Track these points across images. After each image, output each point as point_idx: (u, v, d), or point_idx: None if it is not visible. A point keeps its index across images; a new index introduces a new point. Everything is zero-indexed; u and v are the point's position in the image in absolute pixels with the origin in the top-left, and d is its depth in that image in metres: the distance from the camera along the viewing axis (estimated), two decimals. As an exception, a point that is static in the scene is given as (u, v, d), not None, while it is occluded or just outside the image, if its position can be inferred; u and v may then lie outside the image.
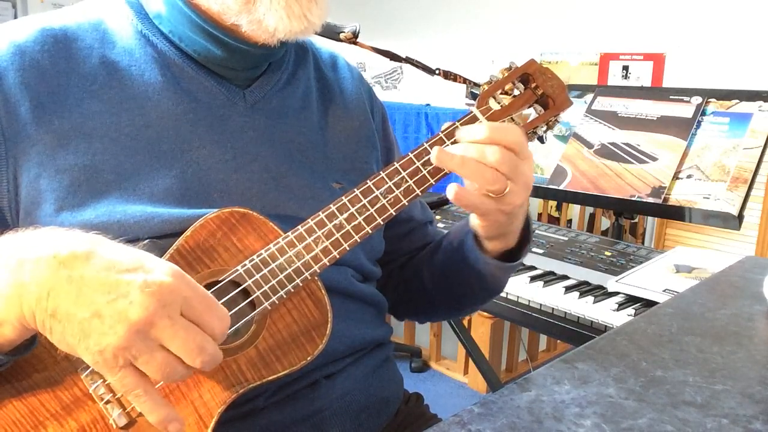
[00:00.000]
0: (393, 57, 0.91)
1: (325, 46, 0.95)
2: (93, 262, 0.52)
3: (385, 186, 0.70)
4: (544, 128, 0.77)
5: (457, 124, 0.73)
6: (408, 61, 0.90)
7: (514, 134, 0.69)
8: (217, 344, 0.55)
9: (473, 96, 0.75)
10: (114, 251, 0.54)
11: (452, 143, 0.71)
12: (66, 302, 0.51)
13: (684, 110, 1.62)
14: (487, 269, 0.83)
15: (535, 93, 0.75)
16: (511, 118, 0.74)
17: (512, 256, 0.83)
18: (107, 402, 0.61)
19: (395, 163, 0.71)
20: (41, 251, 0.53)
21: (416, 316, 1.02)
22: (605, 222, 3.02)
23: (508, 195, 0.69)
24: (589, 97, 1.80)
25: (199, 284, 0.55)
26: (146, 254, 0.55)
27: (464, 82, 0.85)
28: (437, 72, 0.88)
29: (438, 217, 1.80)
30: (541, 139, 0.78)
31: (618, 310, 1.22)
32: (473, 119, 0.73)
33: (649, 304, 1.21)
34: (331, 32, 0.88)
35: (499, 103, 0.74)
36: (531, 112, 0.76)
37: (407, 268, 0.96)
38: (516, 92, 0.75)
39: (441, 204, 1.90)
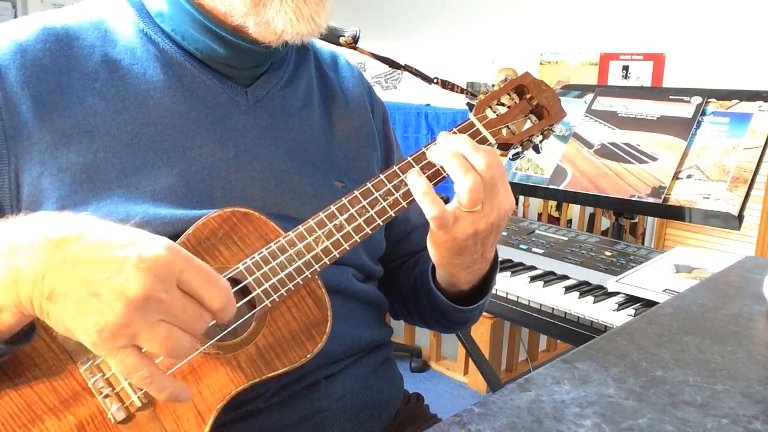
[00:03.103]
0: (392, 64, 0.91)
1: (325, 45, 0.95)
2: (85, 242, 0.52)
3: (385, 188, 0.71)
4: (540, 138, 0.79)
5: (455, 130, 0.74)
6: (407, 68, 0.90)
7: (493, 156, 0.69)
8: (224, 317, 0.54)
9: (470, 107, 0.76)
10: (105, 230, 0.53)
11: None
12: (61, 283, 0.51)
13: (684, 110, 1.62)
14: (442, 305, 0.84)
15: (530, 103, 0.77)
16: (507, 126, 0.75)
17: (466, 301, 0.83)
18: (106, 396, 0.61)
19: (394, 166, 0.72)
20: (33, 236, 0.52)
21: (405, 318, 1.02)
22: (605, 222, 3.02)
23: (474, 214, 0.69)
24: (589, 97, 1.80)
25: (195, 257, 0.54)
26: (138, 230, 0.54)
27: (461, 92, 0.86)
28: (435, 81, 0.89)
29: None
30: (536, 149, 0.80)
31: (618, 310, 1.22)
32: (470, 126, 0.75)
33: (649, 304, 1.21)
34: (331, 36, 0.88)
35: (495, 112, 0.76)
36: (526, 122, 0.77)
37: (398, 273, 0.96)
38: (511, 103, 0.77)
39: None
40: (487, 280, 0.83)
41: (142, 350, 0.52)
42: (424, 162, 0.72)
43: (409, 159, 0.72)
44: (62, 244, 0.51)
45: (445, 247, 0.73)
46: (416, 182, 0.69)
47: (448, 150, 0.69)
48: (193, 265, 0.53)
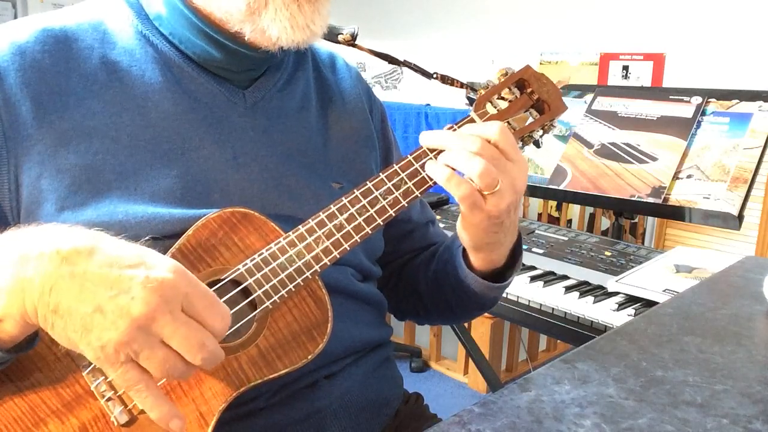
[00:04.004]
0: (391, 60, 0.91)
1: (323, 46, 0.95)
2: (95, 258, 0.52)
3: (385, 187, 0.71)
4: (540, 132, 0.78)
5: (455, 127, 0.73)
6: (406, 64, 0.90)
7: (494, 129, 0.69)
8: (217, 341, 0.55)
9: (470, 101, 0.76)
10: (116, 247, 0.54)
11: None
12: (68, 297, 0.51)
13: (684, 110, 1.62)
14: (476, 286, 0.83)
15: (531, 98, 0.76)
16: (508, 122, 0.75)
17: (501, 276, 0.84)
18: (108, 399, 0.61)
19: (394, 165, 0.71)
20: (43, 247, 0.53)
21: (415, 317, 1.02)
22: (605, 222, 3.02)
23: (495, 194, 0.69)
24: (589, 97, 1.80)
25: (200, 281, 0.56)
26: (148, 250, 0.55)
27: (461, 87, 0.86)
28: (435, 76, 0.89)
29: (438, 217, 1.80)
30: (537, 144, 0.79)
31: (618, 310, 1.22)
32: (471, 123, 0.74)
33: (649, 304, 1.21)
34: (329, 34, 0.88)
35: (495, 107, 0.75)
36: (527, 117, 0.77)
37: (406, 270, 0.97)
38: (512, 97, 0.76)
39: (441, 204, 1.90)
40: (517, 248, 0.83)
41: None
42: (424, 160, 0.72)
43: (410, 157, 0.72)
44: (72, 258, 0.52)
45: (482, 227, 0.73)
46: (437, 170, 0.69)
47: (454, 148, 0.69)
48: (198, 289, 0.54)
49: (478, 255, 0.81)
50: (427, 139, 0.71)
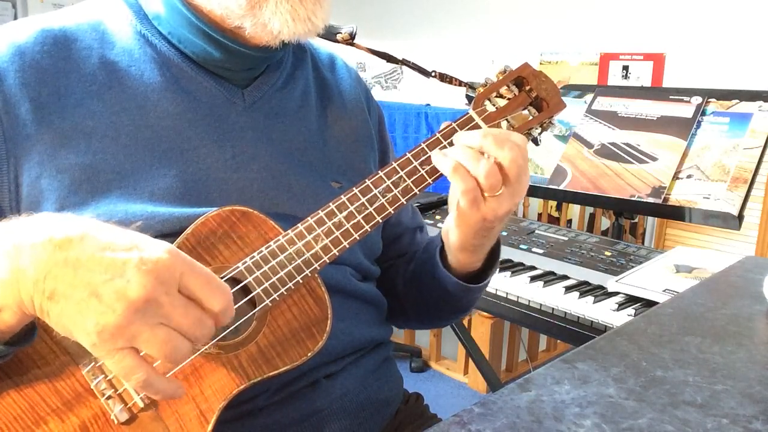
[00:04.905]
0: (389, 59, 0.91)
1: (323, 46, 0.95)
2: (88, 244, 0.52)
3: (384, 185, 0.71)
4: (539, 130, 0.79)
5: (454, 125, 0.74)
6: (404, 62, 0.90)
7: (512, 149, 0.69)
8: (224, 320, 0.55)
9: (469, 100, 0.76)
10: (108, 233, 0.54)
11: (449, 144, 0.72)
12: (63, 284, 0.51)
13: (684, 110, 1.62)
14: (452, 288, 0.84)
15: (530, 95, 0.76)
16: (507, 119, 0.75)
17: (477, 279, 0.85)
18: (108, 397, 0.62)
19: (393, 162, 0.72)
20: (36, 236, 0.52)
21: (392, 319, 1.02)
22: (605, 222, 3.02)
23: (496, 198, 0.70)
24: (589, 97, 1.80)
25: (196, 261, 0.55)
26: (140, 234, 0.55)
27: (460, 85, 0.86)
28: (433, 74, 0.89)
29: (438, 217, 1.80)
30: (535, 141, 0.80)
31: (618, 310, 1.22)
32: (469, 120, 0.74)
33: (649, 304, 1.21)
34: (328, 33, 0.88)
35: (494, 105, 0.75)
36: (526, 115, 0.77)
37: (387, 273, 0.96)
38: (511, 95, 0.76)
39: (441, 204, 1.90)
40: (494, 255, 0.85)
41: (140, 353, 0.53)
42: (423, 158, 0.72)
43: (408, 155, 0.72)
44: (65, 245, 0.52)
45: (475, 228, 0.75)
46: (445, 161, 0.70)
47: (462, 144, 0.70)
48: (194, 269, 0.54)
49: (461, 255, 0.82)
50: (438, 158, 0.72)
